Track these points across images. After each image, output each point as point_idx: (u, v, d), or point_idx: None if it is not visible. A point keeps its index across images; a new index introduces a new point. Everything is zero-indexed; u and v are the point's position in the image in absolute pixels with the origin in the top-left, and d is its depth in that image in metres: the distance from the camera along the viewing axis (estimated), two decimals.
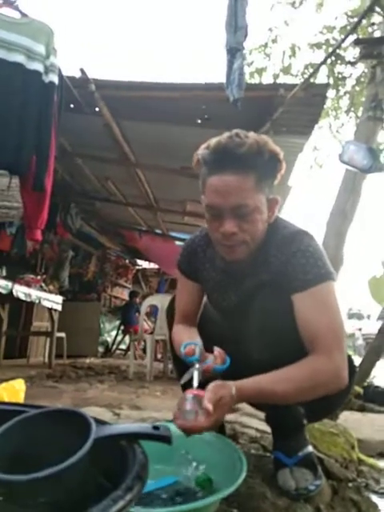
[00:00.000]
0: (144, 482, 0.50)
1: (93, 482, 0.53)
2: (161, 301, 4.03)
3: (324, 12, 5.37)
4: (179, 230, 6.14)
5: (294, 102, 2.94)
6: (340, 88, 5.38)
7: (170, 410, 1.83)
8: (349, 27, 4.58)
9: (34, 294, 3.93)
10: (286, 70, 5.35)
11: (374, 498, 1.07)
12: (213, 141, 0.93)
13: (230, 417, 1.47)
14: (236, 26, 2.42)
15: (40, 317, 5.49)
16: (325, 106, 3.59)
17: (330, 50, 4.45)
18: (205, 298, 1.18)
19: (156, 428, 0.59)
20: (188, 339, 1.01)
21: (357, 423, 2.02)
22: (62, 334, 4.82)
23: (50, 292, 4.44)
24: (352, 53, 4.82)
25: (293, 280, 0.91)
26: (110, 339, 7.63)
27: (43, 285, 4.35)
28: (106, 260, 8.05)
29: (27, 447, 0.56)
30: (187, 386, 0.87)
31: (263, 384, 0.83)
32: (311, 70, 4.31)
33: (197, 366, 0.89)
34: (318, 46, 5.16)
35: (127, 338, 7.20)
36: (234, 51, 2.49)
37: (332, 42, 5.07)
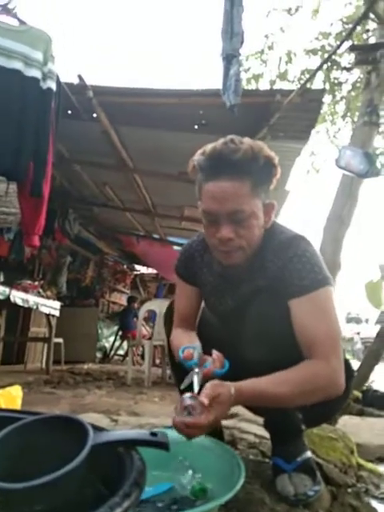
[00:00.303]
0: (141, 488, 0.49)
1: (90, 489, 0.53)
2: (159, 306, 4.03)
3: (319, 18, 5.43)
4: (177, 235, 6.15)
5: (290, 108, 2.96)
6: (336, 93, 5.43)
7: (168, 416, 1.82)
8: (344, 33, 4.63)
9: (32, 299, 3.92)
10: (283, 76, 5.39)
11: (374, 503, 1.06)
12: (208, 147, 0.94)
13: (228, 422, 1.46)
14: (232, 32, 2.45)
15: (37, 322, 5.47)
16: (321, 111, 3.62)
17: (326, 55, 4.49)
18: (203, 303, 1.19)
19: (154, 434, 0.59)
20: (187, 343, 1.01)
21: (356, 428, 2.01)
22: (60, 340, 4.80)
23: (48, 298, 4.43)
24: (347, 59, 4.87)
25: (289, 285, 0.92)
26: (108, 345, 7.60)
27: (41, 290, 4.34)
28: (104, 265, 8.04)
29: (24, 454, 0.56)
30: (187, 390, 0.87)
31: (262, 386, 0.84)
32: (307, 76, 4.35)
33: (196, 370, 0.89)
34: (314, 52, 5.22)
35: (125, 344, 7.18)
36: (231, 57, 2.52)
37: (328, 48, 5.12)
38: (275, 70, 5.44)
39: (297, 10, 5.35)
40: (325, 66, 4.32)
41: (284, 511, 0.87)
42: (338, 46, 3.13)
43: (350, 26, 3.95)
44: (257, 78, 5.50)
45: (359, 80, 4.95)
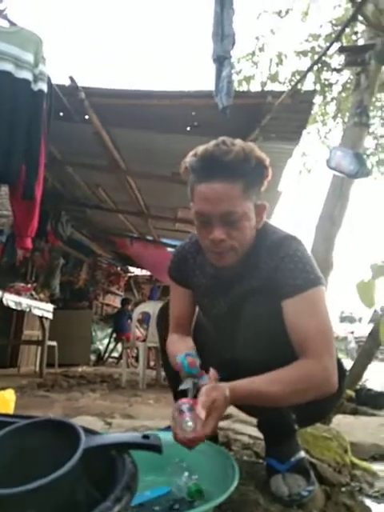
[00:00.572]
0: (133, 492, 0.49)
1: (82, 493, 0.52)
2: (153, 308, 4.02)
3: (309, 20, 5.48)
4: (171, 237, 6.14)
5: (281, 109, 2.98)
6: (327, 94, 5.47)
7: (162, 418, 1.82)
8: (333, 35, 4.67)
9: (25, 302, 3.89)
10: (274, 78, 5.42)
11: (368, 501, 1.07)
12: (200, 148, 0.94)
13: (222, 424, 1.46)
14: (223, 34, 2.45)
15: (31, 325, 5.43)
16: (312, 112, 3.64)
17: (316, 57, 4.52)
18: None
19: (146, 437, 0.59)
20: (185, 350, 1.01)
21: (349, 427, 2.02)
22: (54, 343, 4.77)
23: (41, 300, 4.40)
24: (337, 60, 4.91)
25: (282, 286, 0.92)
26: (102, 347, 7.56)
27: (34, 293, 4.31)
28: (98, 267, 8.00)
29: (16, 459, 0.55)
30: (181, 394, 0.87)
31: (256, 385, 0.84)
32: (298, 77, 4.38)
33: (195, 380, 0.90)
34: (304, 53, 5.25)
35: (119, 346, 7.14)
36: (222, 59, 2.52)
37: (318, 49, 5.15)
38: (266, 72, 5.47)
39: (287, 12, 5.39)
40: (315, 68, 4.35)
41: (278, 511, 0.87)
42: (328, 48, 3.16)
43: (339, 27, 3.99)
44: (248, 79, 5.52)
45: (349, 81, 5.00)
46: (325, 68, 4.90)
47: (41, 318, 4.36)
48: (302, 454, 1.00)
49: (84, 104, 3.07)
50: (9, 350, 5.29)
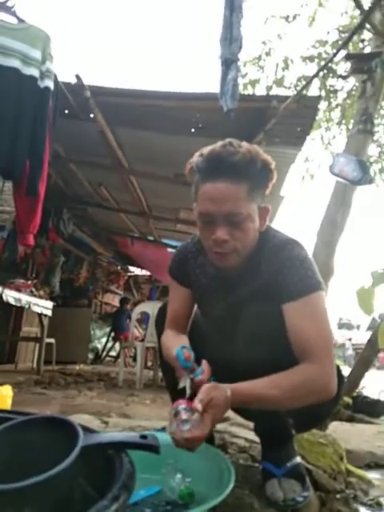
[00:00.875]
0: (130, 491, 0.49)
1: (79, 491, 0.52)
2: (152, 308, 4.02)
3: (316, 26, 5.49)
4: (171, 238, 6.15)
5: (286, 114, 2.98)
6: (331, 100, 5.48)
7: (159, 418, 1.82)
8: (340, 42, 4.68)
9: (24, 298, 3.89)
10: (279, 82, 5.44)
11: (362, 509, 1.07)
12: (207, 149, 0.94)
13: (219, 426, 1.46)
14: (231, 37, 2.46)
15: (30, 322, 5.43)
16: (316, 118, 3.65)
17: (322, 63, 4.53)
18: (196, 307, 1.19)
19: (144, 437, 0.59)
20: (181, 344, 1.01)
21: (346, 434, 2.02)
22: (52, 340, 4.76)
23: (41, 297, 4.40)
24: (343, 67, 4.92)
25: (283, 290, 0.92)
26: (100, 346, 7.56)
27: (34, 290, 4.31)
28: (98, 266, 8.00)
29: (14, 455, 0.55)
30: (179, 393, 0.87)
31: (257, 388, 0.84)
32: (304, 83, 4.39)
33: (191, 375, 0.90)
34: (311, 59, 5.27)
35: (117, 345, 7.14)
36: (229, 62, 2.53)
37: (324, 55, 5.17)
38: (272, 76, 5.49)
39: (294, 17, 5.40)
40: (321, 74, 4.36)
41: None
42: (335, 55, 3.17)
43: (346, 34, 4.00)
44: (253, 83, 5.54)
45: (354, 88, 5.01)
46: (331, 74, 4.91)
47: (40, 314, 4.36)
48: (298, 459, 1.00)
49: (89, 102, 3.07)
50: (7, 346, 5.29)
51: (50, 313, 4.39)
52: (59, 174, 4.61)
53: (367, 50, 4.37)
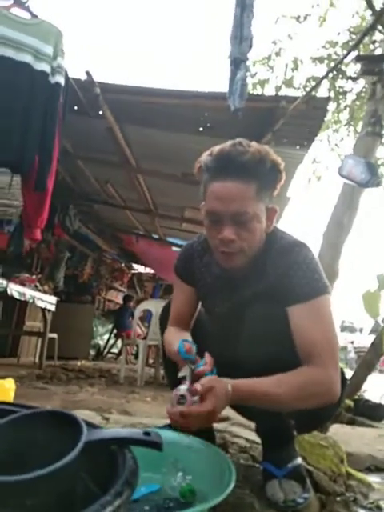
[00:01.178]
0: (133, 488, 0.49)
1: (82, 486, 0.53)
2: (155, 306, 4.03)
3: (327, 27, 5.46)
4: (176, 236, 6.15)
5: (295, 115, 2.98)
6: (340, 102, 5.46)
7: (160, 416, 1.82)
8: (351, 43, 4.65)
9: (29, 293, 3.91)
10: (288, 83, 5.42)
11: None
12: (216, 148, 0.94)
13: (220, 426, 1.46)
14: (241, 36, 2.45)
15: (33, 317, 5.46)
16: (325, 119, 3.63)
17: (332, 64, 4.51)
18: (200, 305, 1.19)
19: (147, 434, 0.59)
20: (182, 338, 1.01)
21: (346, 436, 2.01)
22: (54, 335, 4.79)
23: (45, 292, 4.42)
24: (353, 68, 4.89)
25: (289, 292, 0.92)
26: (102, 342, 7.58)
27: (38, 284, 4.33)
28: (102, 262, 8.02)
29: (17, 447, 0.56)
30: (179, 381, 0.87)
31: (258, 385, 0.84)
32: (313, 84, 4.37)
33: (192, 366, 0.90)
34: (321, 60, 5.24)
35: (119, 342, 7.16)
36: (238, 62, 2.52)
37: (334, 56, 5.14)
38: (281, 77, 5.47)
39: (305, 18, 5.38)
40: (330, 75, 4.34)
41: None
42: (345, 56, 3.15)
43: (357, 36, 3.97)
44: (262, 83, 5.52)
45: (364, 90, 4.98)
46: (340, 76, 4.89)
47: (43, 309, 4.38)
48: (299, 460, 1.00)
49: (99, 99, 3.08)
50: (10, 339, 5.32)
51: (53, 308, 4.41)
52: (67, 171, 4.62)
53: (378, 51, 4.34)
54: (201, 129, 3.34)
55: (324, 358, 0.86)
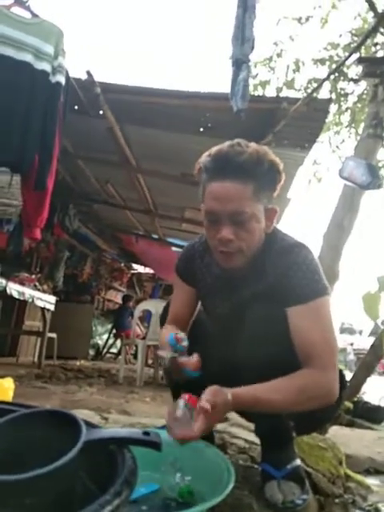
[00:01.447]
0: (132, 487, 0.49)
1: (81, 486, 0.53)
2: (154, 306, 4.03)
3: (329, 29, 5.47)
4: (176, 237, 6.15)
5: (296, 116, 2.97)
6: (342, 104, 5.46)
7: (159, 416, 1.82)
8: (353, 45, 4.66)
9: (28, 292, 3.90)
10: (290, 84, 5.42)
11: None
12: (214, 149, 0.95)
13: (219, 426, 1.46)
14: (243, 37, 2.45)
15: (32, 316, 5.45)
16: (326, 121, 3.63)
17: (334, 66, 4.52)
18: (199, 306, 1.19)
19: (146, 434, 0.59)
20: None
21: (345, 438, 2.01)
22: (54, 335, 4.78)
23: (44, 292, 4.42)
24: (355, 70, 4.90)
25: (289, 293, 0.92)
26: (101, 342, 7.58)
27: (37, 284, 4.32)
28: (102, 262, 8.02)
29: (16, 447, 0.56)
30: (179, 391, 0.87)
31: (259, 393, 0.84)
32: (314, 85, 4.38)
33: (176, 354, 0.92)
34: (322, 61, 5.24)
35: (118, 342, 7.16)
36: (240, 63, 2.52)
37: (336, 58, 5.15)
38: (283, 78, 5.47)
39: (307, 19, 5.38)
40: (332, 77, 4.34)
41: None
42: (347, 58, 3.15)
43: (359, 38, 3.98)
44: (264, 84, 5.52)
45: (365, 92, 4.98)
46: (342, 77, 4.89)
47: (43, 309, 4.38)
48: (298, 461, 0.99)
49: (99, 99, 3.07)
50: (9, 339, 5.31)
51: (52, 307, 4.41)
52: (67, 170, 4.62)
53: (380, 53, 4.35)
54: (201, 129, 3.33)
55: (323, 360, 0.86)
